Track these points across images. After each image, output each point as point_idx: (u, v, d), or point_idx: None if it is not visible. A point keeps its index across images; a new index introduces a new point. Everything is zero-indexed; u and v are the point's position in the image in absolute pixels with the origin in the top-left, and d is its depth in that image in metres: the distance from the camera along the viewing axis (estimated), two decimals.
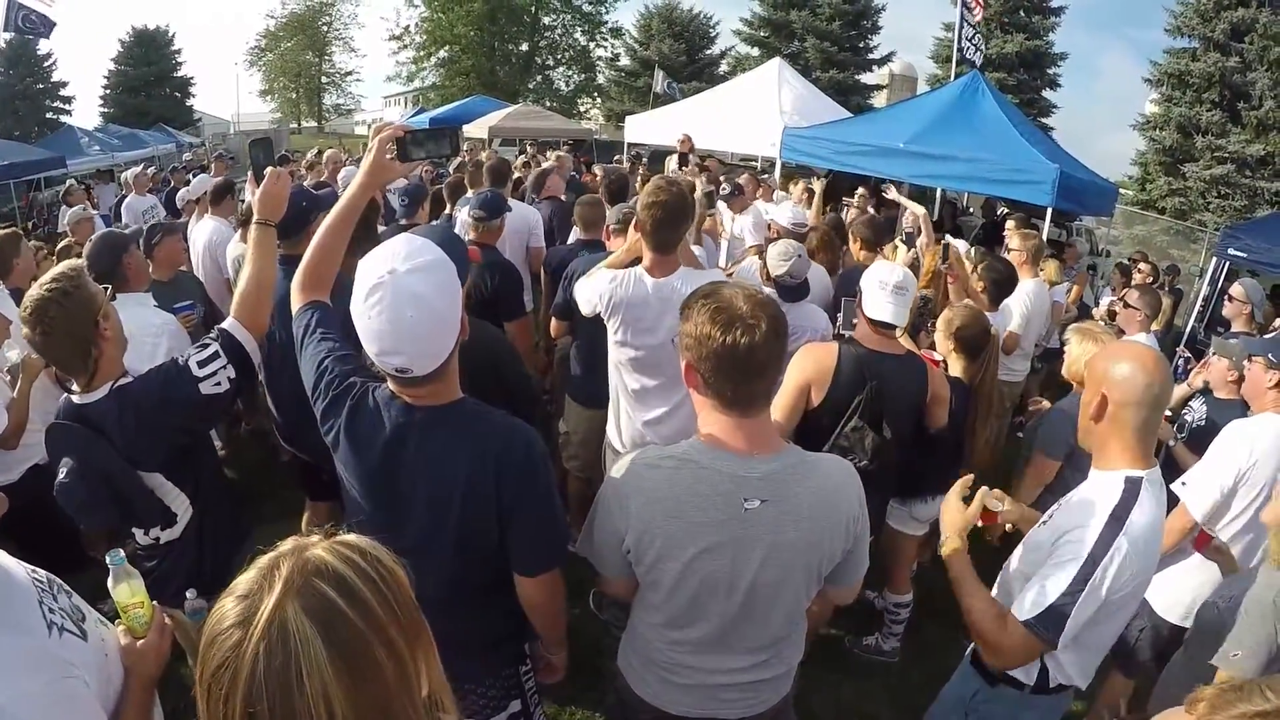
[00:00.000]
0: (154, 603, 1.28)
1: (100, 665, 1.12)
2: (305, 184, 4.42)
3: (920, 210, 4.82)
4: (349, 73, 40.46)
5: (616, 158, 11.73)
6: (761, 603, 1.44)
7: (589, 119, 31.45)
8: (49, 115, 27.69)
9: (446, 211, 4.84)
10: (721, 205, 5.21)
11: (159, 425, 1.75)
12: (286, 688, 0.71)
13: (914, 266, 4.09)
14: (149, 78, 30.74)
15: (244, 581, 0.77)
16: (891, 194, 5.64)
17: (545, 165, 6.97)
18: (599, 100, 33.13)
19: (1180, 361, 5.30)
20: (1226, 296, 4.75)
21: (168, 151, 18.77)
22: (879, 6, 24.33)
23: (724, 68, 27.04)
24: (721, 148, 10.62)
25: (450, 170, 6.68)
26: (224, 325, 1.81)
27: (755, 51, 24.61)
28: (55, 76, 28.59)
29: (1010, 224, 5.61)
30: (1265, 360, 2.45)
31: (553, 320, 3.45)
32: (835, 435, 2.38)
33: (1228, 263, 7.87)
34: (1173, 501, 2.22)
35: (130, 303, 2.70)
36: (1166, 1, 17.82)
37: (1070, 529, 1.54)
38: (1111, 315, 4.51)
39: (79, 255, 3.34)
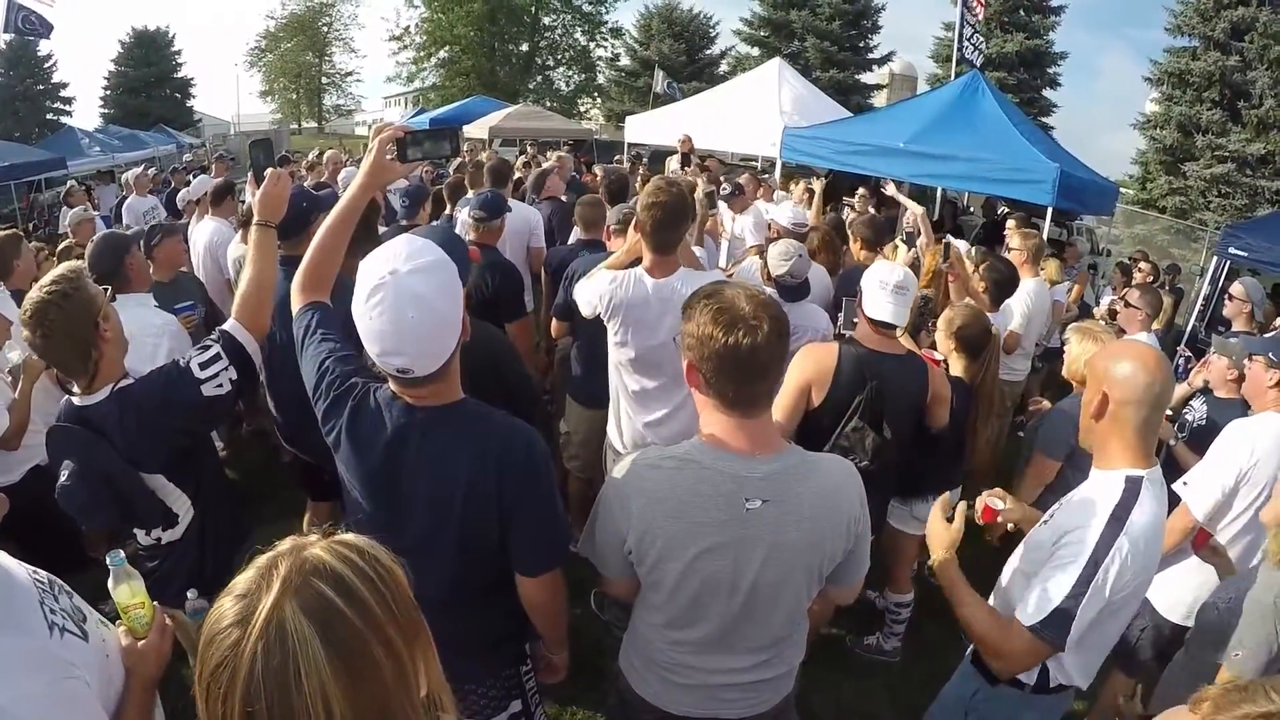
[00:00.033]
0: (155, 603, 1.28)
1: (101, 666, 1.12)
2: (306, 185, 4.43)
3: (919, 209, 4.82)
4: (349, 73, 40.55)
5: (617, 158, 11.73)
6: (763, 603, 1.44)
7: (589, 119, 31.47)
8: (49, 116, 27.76)
9: (447, 212, 4.84)
10: (722, 205, 5.21)
11: (160, 427, 1.75)
12: (284, 687, 0.71)
13: (914, 266, 4.09)
14: (149, 79, 30.78)
15: (242, 581, 0.77)
16: (890, 190, 5.63)
17: (545, 165, 6.97)
18: (599, 100, 33.14)
19: (1181, 361, 5.30)
20: (1227, 295, 4.75)
21: (168, 152, 18.79)
22: (879, 6, 24.37)
23: (724, 68, 27.06)
24: (721, 148, 10.62)
25: (450, 171, 6.68)
26: (225, 327, 1.81)
27: (755, 51, 24.63)
28: (55, 78, 28.69)
29: (1011, 223, 5.60)
30: (1266, 359, 2.45)
31: (553, 321, 3.45)
32: (836, 435, 2.37)
33: (1228, 262, 7.87)
34: (1174, 501, 2.22)
35: (131, 303, 2.70)
36: (1166, 0, 17.85)
37: (1071, 529, 1.54)
38: (1112, 314, 4.51)
39: (80, 256, 3.34)
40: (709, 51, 28.12)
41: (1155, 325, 4.13)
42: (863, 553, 1.54)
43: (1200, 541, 2.19)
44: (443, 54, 33.10)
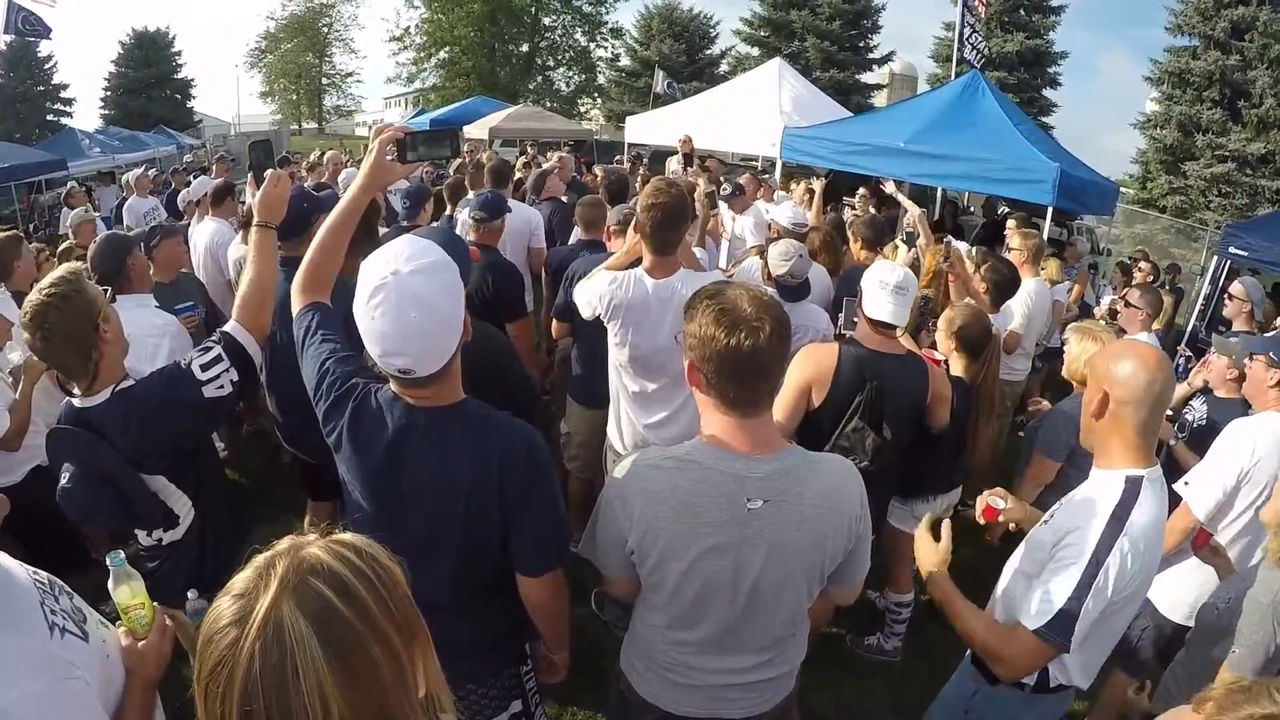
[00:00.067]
0: (155, 604, 1.28)
1: (101, 666, 1.13)
2: (306, 185, 4.43)
3: (917, 211, 4.81)
4: (349, 74, 40.53)
5: (617, 158, 11.73)
6: (764, 603, 1.44)
7: (589, 119, 31.48)
8: (50, 117, 27.81)
9: (447, 212, 4.84)
10: (722, 206, 5.21)
11: (161, 428, 1.75)
12: (282, 686, 0.71)
13: (914, 266, 4.09)
14: (149, 80, 30.81)
15: (240, 580, 0.77)
16: (889, 188, 5.63)
17: (546, 166, 6.96)
18: (599, 101, 33.13)
19: (1181, 360, 5.30)
20: (1227, 295, 4.74)
21: (168, 153, 18.79)
22: (879, 6, 24.37)
23: (724, 68, 27.05)
24: (722, 148, 10.61)
25: (450, 172, 6.68)
26: (226, 328, 1.81)
27: (755, 51, 24.63)
28: (56, 79, 28.74)
29: (1011, 223, 5.60)
30: (1266, 359, 2.45)
31: (554, 321, 3.45)
32: (836, 436, 2.37)
33: (1229, 261, 7.86)
34: (1174, 501, 2.22)
35: (131, 304, 2.71)
36: (1167, 0, 17.86)
37: (1071, 530, 1.54)
38: (1113, 314, 4.51)
39: (81, 258, 3.35)
40: (709, 51, 28.11)
41: (1156, 325, 4.13)
42: (863, 553, 1.54)
43: (1200, 542, 2.19)
44: (443, 55, 33.10)
